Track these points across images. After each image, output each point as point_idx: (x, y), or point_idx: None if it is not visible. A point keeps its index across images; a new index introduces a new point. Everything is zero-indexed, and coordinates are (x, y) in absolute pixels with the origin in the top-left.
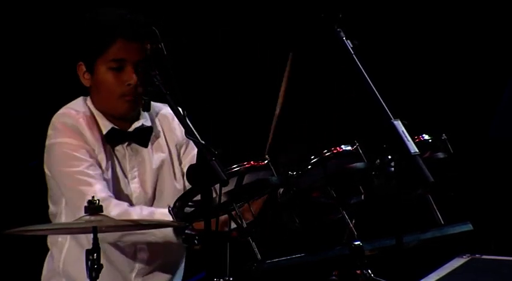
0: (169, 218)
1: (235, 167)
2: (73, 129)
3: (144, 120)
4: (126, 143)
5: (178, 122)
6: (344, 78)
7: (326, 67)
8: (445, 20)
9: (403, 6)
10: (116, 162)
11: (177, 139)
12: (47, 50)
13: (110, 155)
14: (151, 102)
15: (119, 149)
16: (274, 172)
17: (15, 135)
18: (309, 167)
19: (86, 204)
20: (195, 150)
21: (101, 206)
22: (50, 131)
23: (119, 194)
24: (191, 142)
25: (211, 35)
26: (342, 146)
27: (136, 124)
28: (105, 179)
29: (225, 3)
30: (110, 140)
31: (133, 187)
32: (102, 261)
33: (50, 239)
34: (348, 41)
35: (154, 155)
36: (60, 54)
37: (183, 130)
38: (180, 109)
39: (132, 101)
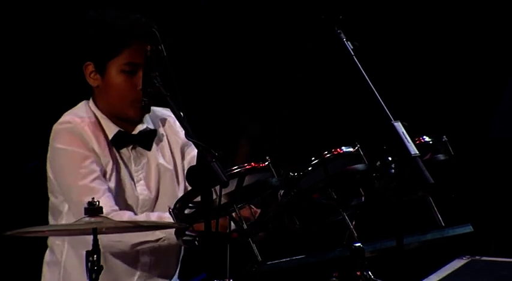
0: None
1: (236, 169)
2: (79, 138)
3: (147, 123)
4: (131, 146)
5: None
6: (345, 79)
7: (327, 68)
8: (445, 20)
9: (403, 7)
10: (122, 165)
11: (182, 142)
12: (46, 50)
13: (116, 159)
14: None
15: (124, 152)
16: (275, 174)
17: (15, 135)
18: (310, 168)
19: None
20: (195, 151)
21: (101, 207)
22: (53, 137)
23: (127, 197)
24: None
25: (211, 36)
26: (343, 148)
27: (141, 127)
28: (110, 190)
29: (225, 3)
30: (116, 143)
31: (139, 190)
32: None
33: (49, 250)
34: (348, 42)
35: (158, 158)
36: (59, 53)
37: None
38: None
39: (144, 107)
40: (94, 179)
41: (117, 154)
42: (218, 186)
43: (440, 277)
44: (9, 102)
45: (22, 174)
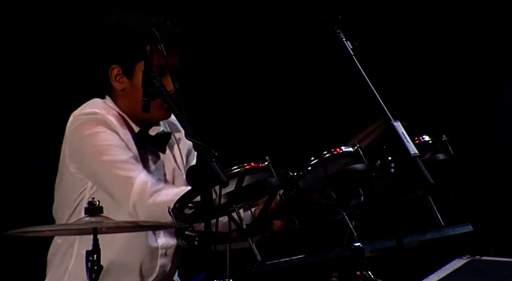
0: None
1: (235, 169)
2: (107, 125)
3: (164, 127)
4: (147, 147)
5: None
6: (344, 79)
7: (326, 68)
8: (445, 20)
9: (403, 7)
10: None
11: (188, 147)
12: (47, 50)
13: (139, 157)
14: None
15: (142, 153)
16: (274, 173)
17: (15, 135)
18: (309, 168)
19: (135, 191)
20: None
21: (101, 207)
22: (78, 128)
23: None
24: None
25: (211, 36)
26: (342, 148)
27: (157, 129)
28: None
29: (225, 3)
30: (138, 142)
31: None
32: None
33: (53, 257)
34: (348, 42)
35: (172, 162)
36: (61, 54)
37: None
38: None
39: (168, 108)
40: (130, 157)
41: (137, 153)
42: (218, 186)
43: (440, 277)
44: (10, 102)
45: (22, 174)
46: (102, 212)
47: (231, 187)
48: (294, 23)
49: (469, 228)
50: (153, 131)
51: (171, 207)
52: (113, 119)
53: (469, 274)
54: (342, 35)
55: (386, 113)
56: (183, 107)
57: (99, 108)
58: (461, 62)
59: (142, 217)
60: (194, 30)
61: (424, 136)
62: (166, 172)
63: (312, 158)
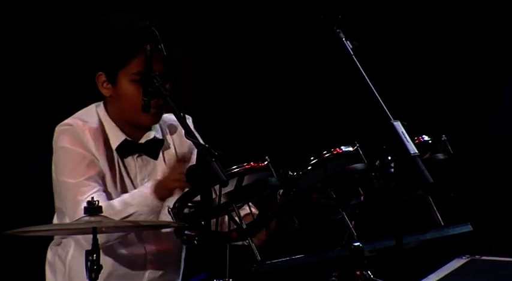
0: (147, 199)
1: (235, 168)
2: (79, 139)
3: (156, 131)
4: (137, 155)
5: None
6: (344, 79)
7: (326, 68)
8: (445, 20)
9: (403, 6)
10: (125, 173)
11: (187, 148)
12: (48, 50)
13: (118, 167)
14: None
15: (129, 160)
16: (274, 173)
17: (15, 135)
18: (309, 168)
19: (81, 214)
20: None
21: (101, 206)
22: (55, 138)
23: None
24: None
25: (211, 36)
26: (342, 147)
27: (148, 136)
28: (106, 191)
29: (225, 3)
30: (121, 152)
31: None
32: (112, 270)
33: (52, 250)
34: (348, 42)
35: (164, 167)
36: (61, 55)
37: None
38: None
39: (156, 114)
40: (89, 178)
41: (120, 162)
42: (218, 185)
43: (440, 277)
44: (10, 102)
45: (22, 174)
46: (102, 212)
47: (230, 187)
48: (294, 23)
49: (469, 228)
50: (145, 137)
51: (171, 207)
52: (87, 133)
53: (469, 274)
54: (341, 35)
55: (386, 113)
56: (183, 106)
57: (82, 119)
58: (461, 62)
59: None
60: (194, 30)
61: (423, 136)
62: (158, 178)
63: (312, 158)
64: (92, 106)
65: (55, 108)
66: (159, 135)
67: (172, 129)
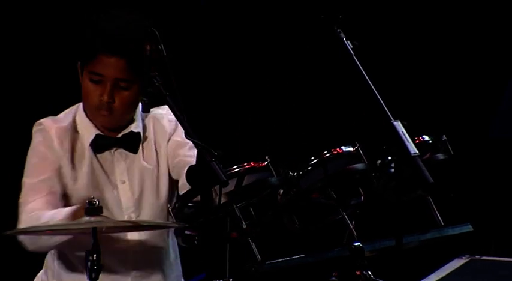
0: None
1: (235, 168)
2: (43, 139)
3: (134, 127)
4: (114, 149)
5: (168, 121)
6: (344, 79)
7: (326, 68)
8: (445, 20)
9: (403, 6)
10: (100, 169)
11: (168, 139)
12: (49, 50)
13: (91, 163)
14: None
15: (106, 155)
16: (274, 173)
17: (15, 135)
18: (309, 168)
19: (21, 217)
20: (186, 151)
21: (101, 207)
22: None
23: (106, 200)
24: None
25: (211, 36)
26: (342, 147)
27: (125, 131)
28: (57, 193)
29: (225, 3)
30: (96, 147)
31: (122, 192)
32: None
33: (48, 255)
34: (348, 42)
35: (142, 160)
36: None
37: (174, 129)
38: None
39: (107, 116)
40: (44, 180)
41: (94, 159)
42: (217, 185)
43: (440, 277)
44: (10, 102)
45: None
46: (102, 212)
47: (230, 187)
48: (294, 22)
49: (469, 228)
50: (121, 132)
51: (171, 206)
52: (53, 132)
53: (469, 273)
54: (342, 35)
55: (386, 113)
56: (183, 106)
57: (55, 118)
58: (461, 62)
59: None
60: (194, 30)
61: (424, 136)
62: (136, 172)
63: (312, 158)
64: (79, 103)
65: (55, 109)
66: (138, 129)
67: (154, 121)
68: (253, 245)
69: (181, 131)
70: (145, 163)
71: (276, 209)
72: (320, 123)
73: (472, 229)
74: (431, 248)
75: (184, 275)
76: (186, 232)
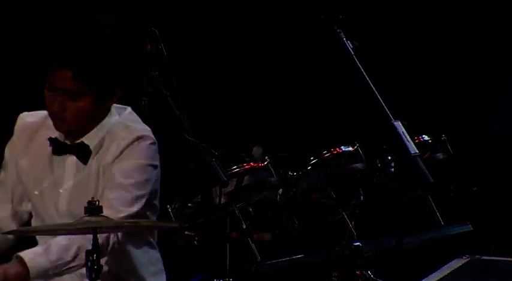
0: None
1: (235, 168)
2: (13, 139)
3: (88, 139)
4: (68, 155)
5: (123, 138)
6: (344, 79)
7: (326, 68)
8: (445, 20)
9: (403, 7)
10: (49, 171)
11: (110, 163)
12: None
13: (50, 164)
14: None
15: (60, 159)
16: (274, 173)
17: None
18: (309, 168)
19: None
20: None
21: (101, 206)
22: None
23: (47, 204)
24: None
25: (211, 36)
26: (342, 147)
27: (78, 141)
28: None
29: (225, 3)
30: (54, 150)
31: (61, 199)
32: None
33: None
34: (348, 42)
35: (91, 176)
36: None
37: (121, 151)
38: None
39: (59, 125)
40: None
41: (55, 161)
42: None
43: (440, 277)
44: (10, 102)
45: None
46: (102, 212)
47: (230, 187)
48: (294, 22)
49: (469, 228)
50: (76, 141)
51: (170, 206)
52: (20, 130)
53: (469, 273)
54: (342, 35)
55: (386, 113)
56: (183, 106)
57: (35, 114)
58: (461, 62)
59: None
60: (194, 30)
61: (423, 136)
62: (80, 184)
63: (312, 158)
64: None
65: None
66: (91, 142)
67: (114, 137)
68: (253, 246)
69: (127, 156)
70: (92, 177)
71: (276, 209)
72: (320, 123)
73: (471, 229)
74: (432, 248)
75: (185, 275)
76: (186, 232)
